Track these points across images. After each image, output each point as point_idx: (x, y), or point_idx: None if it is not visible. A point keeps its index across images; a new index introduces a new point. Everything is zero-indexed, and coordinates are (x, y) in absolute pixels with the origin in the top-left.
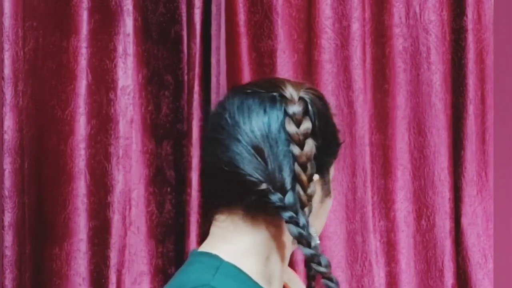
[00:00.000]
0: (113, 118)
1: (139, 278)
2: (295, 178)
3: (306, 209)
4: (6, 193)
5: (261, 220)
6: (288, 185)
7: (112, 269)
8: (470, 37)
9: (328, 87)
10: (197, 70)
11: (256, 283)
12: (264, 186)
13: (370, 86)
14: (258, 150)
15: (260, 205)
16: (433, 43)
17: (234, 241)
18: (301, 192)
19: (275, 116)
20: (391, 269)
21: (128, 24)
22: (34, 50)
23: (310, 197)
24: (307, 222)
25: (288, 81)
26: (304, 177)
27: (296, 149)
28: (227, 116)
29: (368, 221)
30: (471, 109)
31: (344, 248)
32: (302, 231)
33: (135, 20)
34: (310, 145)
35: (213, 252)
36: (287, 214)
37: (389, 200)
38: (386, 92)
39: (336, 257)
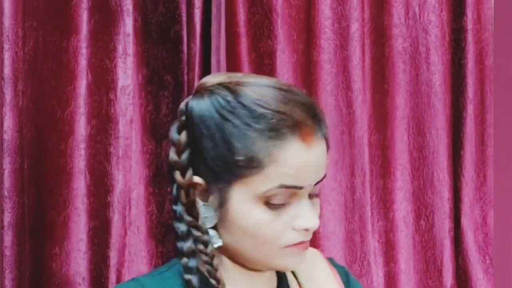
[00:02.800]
0: (113, 118)
1: None
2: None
3: (183, 206)
4: (6, 193)
5: None
6: (174, 192)
7: (112, 269)
8: (470, 37)
9: (327, 87)
10: (197, 70)
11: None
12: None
13: (369, 87)
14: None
15: None
16: (432, 44)
17: None
18: (175, 188)
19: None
20: (390, 269)
21: (128, 24)
22: (34, 50)
23: (187, 194)
24: (180, 215)
25: (227, 74)
26: (174, 173)
27: (170, 149)
28: None
29: (367, 221)
30: (471, 109)
31: (342, 248)
32: (175, 223)
33: (135, 20)
34: (178, 141)
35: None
36: (172, 207)
37: (388, 200)
38: (386, 93)
39: (334, 257)
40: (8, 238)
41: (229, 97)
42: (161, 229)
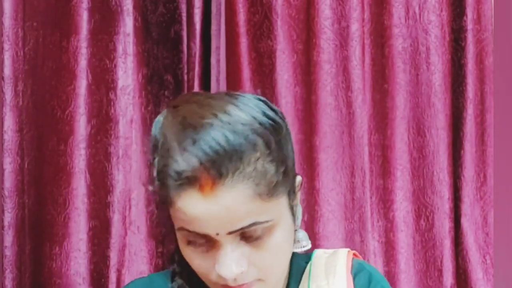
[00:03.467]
0: (113, 118)
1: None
2: None
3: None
4: (6, 193)
5: None
6: None
7: (112, 269)
8: (470, 37)
9: (327, 87)
10: (197, 70)
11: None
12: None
13: (369, 86)
14: None
15: None
16: (432, 43)
17: None
18: None
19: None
20: (390, 269)
21: (128, 24)
22: (34, 50)
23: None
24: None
25: (178, 100)
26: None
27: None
28: None
29: (366, 221)
30: (471, 109)
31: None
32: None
33: (135, 20)
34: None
35: None
36: None
37: (388, 200)
38: (385, 92)
39: None
40: (8, 238)
41: (163, 127)
42: (161, 229)
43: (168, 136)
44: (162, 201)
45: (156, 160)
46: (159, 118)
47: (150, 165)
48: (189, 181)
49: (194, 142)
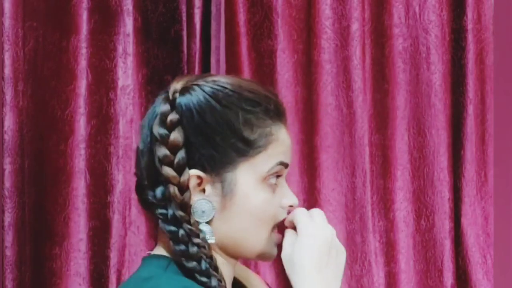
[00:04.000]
0: (113, 118)
1: None
2: (164, 175)
3: (176, 204)
4: (6, 193)
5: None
6: (156, 181)
7: (112, 269)
8: (470, 37)
9: (328, 87)
10: (197, 70)
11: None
12: (145, 182)
13: (370, 86)
14: (141, 151)
15: (149, 206)
16: (432, 43)
17: (165, 241)
18: (170, 188)
19: (151, 117)
20: (390, 269)
21: (128, 24)
22: (34, 50)
23: (182, 190)
24: (180, 216)
25: (181, 78)
26: (169, 172)
27: (159, 149)
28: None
29: (367, 221)
30: (471, 109)
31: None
32: (171, 227)
33: (135, 20)
34: (174, 137)
35: (159, 253)
36: (158, 211)
37: (389, 200)
38: (386, 92)
39: None
40: (8, 238)
41: (220, 87)
42: None
43: (240, 90)
44: (260, 146)
45: (240, 114)
46: (203, 94)
47: (233, 123)
48: (284, 115)
49: (262, 87)
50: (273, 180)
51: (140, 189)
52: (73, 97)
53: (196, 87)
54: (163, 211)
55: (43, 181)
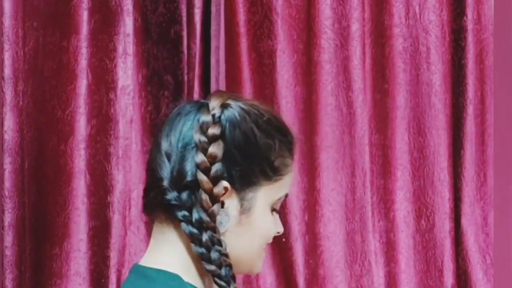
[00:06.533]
0: (113, 118)
1: None
2: (197, 180)
3: (205, 211)
4: (6, 193)
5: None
6: (184, 183)
7: (112, 269)
8: (470, 37)
9: (328, 87)
10: (197, 70)
11: None
12: (165, 183)
13: (370, 86)
14: (167, 153)
15: (168, 207)
16: (432, 43)
17: (174, 252)
18: (203, 195)
19: (190, 123)
20: (390, 269)
21: (128, 24)
22: (34, 50)
23: (214, 200)
24: (206, 222)
25: (223, 93)
26: (204, 179)
27: (198, 155)
28: (163, 121)
29: (367, 221)
30: (471, 109)
31: (343, 248)
32: (194, 230)
33: (135, 20)
34: (214, 150)
35: (168, 270)
36: (180, 213)
37: (389, 200)
38: (386, 92)
39: (335, 257)
40: (8, 238)
41: (259, 113)
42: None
43: (273, 118)
44: (281, 174)
45: (275, 142)
46: (245, 115)
47: (266, 146)
48: (292, 149)
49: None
50: (276, 207)
51: (155, 190)
52: (73, 97)
53: (237, 106)
54: (186, 213)
55: (43, 181)
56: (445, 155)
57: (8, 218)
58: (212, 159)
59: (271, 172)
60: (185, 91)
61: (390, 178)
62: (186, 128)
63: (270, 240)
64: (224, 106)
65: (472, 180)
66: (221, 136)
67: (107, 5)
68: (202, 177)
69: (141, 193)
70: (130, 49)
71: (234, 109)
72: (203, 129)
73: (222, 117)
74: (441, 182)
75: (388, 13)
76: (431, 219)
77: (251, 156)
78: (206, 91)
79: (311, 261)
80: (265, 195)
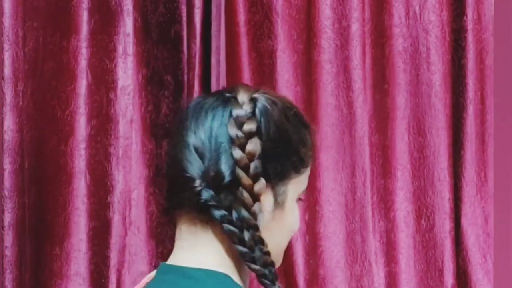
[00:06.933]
0: (113, 118)
1: (139, 278)
2: (236, 179)
3: (246, 210)
4: (6, 193)
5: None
6: (223, 183)
7: (112, 269)
8: (470, 37)
9: (328, 87)
10: (197, 70)
11: None
12: (197, 183)
13: (370, 86)
14: (198, 150)
15: (204, 207)
16: (433, 43)
17: (215, 252)
18: (244, 194)
19: (220, 117)
20: (390, 269)
21: (128, 24)
22: (34, 50)
23: (254, 198)
24: (247, 220)
25: (248, 86)
26: (244, 176)
27: (236, 151)
28: (183, 115)
29: (367, 221)
30: (471, 109)
31: (343, 248)
32: (235, 229)
33: (135, 20)
34: (252, 147)
35: (215, 269)
36: (219, 213)
37: (389, 200)
38: (386, 92)
39: (335, 257)
40: (8, 238)
41: (287, 106)
42: (161, 229)
43: (298, 113)
44: (306, 166)
45: (301, 133)
46: (277, 110)
47: (296, 140)
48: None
49: None
50: (301, 198)
51: (187, 190)
52: (73, 97)
53: (267, 99)
54: (225, 212)
55: (43, 181)
56: (445, 155)
57: (8, 218)
58: (251, 156)
59: (300, 164)
60: (185, 91)
61: (390, 178)
62: (217, 124)
63: (290, 236)
64: (254, 100)
65: (472, 180)
66: (258, 132)
67: (107, 5)
68: (242, 174)
69: (141, 193)
70: (130, 49)
71: (266, 103)
72: (237, 124)
73: (256, 111)
74: (441, 182)
75: (388, 13)
76: (431, 219)
77: (285, 151)
78: (206, 91)
79: (311, 261)
80: (294, 188)
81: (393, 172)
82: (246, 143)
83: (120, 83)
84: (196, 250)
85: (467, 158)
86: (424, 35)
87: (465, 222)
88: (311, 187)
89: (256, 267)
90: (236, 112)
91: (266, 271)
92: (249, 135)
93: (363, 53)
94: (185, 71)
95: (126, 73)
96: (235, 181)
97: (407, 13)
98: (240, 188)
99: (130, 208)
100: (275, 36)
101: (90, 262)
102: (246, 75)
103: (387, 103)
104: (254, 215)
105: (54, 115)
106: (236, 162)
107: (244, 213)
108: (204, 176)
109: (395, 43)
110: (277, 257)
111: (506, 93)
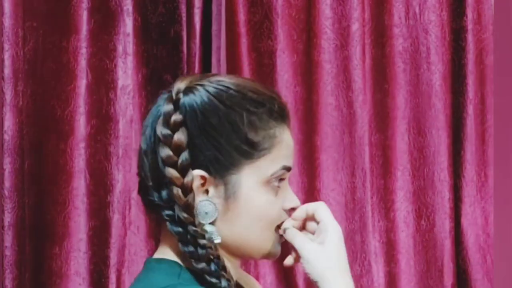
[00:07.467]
0: (113, 117)
1: None
2: (168, 176)
3: (182, 206)
4: (6, 193)
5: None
6: (161, 182)
7: (112, 269)
8: (470, 37)
9: (328, 87)
10: (197, 70)
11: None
12: (149, 183)
13: (370, 86)
14: (145, 151)
15: (154, 207)
16: (432, 43)
17: (172, 243)
18: (174, 190)
19: (152, 117)
20: (390, 269)
21: (128, 24)
22: (34, 50)
23: (186, 192)
24: (184, 218)
25: (185, 78)
26: (173, 173)
27: (162, 149)
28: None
29: (367, 221)
30: (471, 109)
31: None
32: (178, 228)
33: (135, 20)
34: (178, 137)
35: (167, 257)
36: (165, 212)
37: (389, 200)
38: (386, 92)
39: None
40: (8, 238)
41: (224, 87)
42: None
43: (243, 91)
44: (264, 149)
45: (245, 115)
46: (207, 95)
47: (238, 125)
48: (288, 116)
49: (264, 87)
50: (275, 183)
51: (144, 190)
52: (73, 97)
53: (199, 87)
54: (170, 212)
55: (43, 181)
56: (445, 155)
57: (8, 218)
58: (177, 149)
59: (250, 149)
60: None
61: (390, 178)
62: (152, 124)
63: (281, 220)
64: (185, 91)
65: (472, 180)
66: (184, 123)
67: (107, 5)
68: (169, 171)
69: None
70: (130, 49)
71: (195, 91)
72: (165, 120)
73: (182, 102)
74: (441, 182)
75: (388, 13)
76: (431, 219)
77: (219, 138)
78: None
79: None
80: (251, 175)
81: (393, 172)
82: (172, 139)
83: (120, 83)
84: (162, 244)
85: (467, 158)
86: (424, 35)
87: (465, 222)
88: (311, 187)
89: (201, 265)
90: (165, 108)
91: (212, 267)
92: (174, 128)
93: (363, 53)
94: (185, 71)
95: (126, 73)
96: (168, 178)
97: (407, 13)
98: (172, 185)
99: (130, 208)
100: (275, 36)
101: (90, 261)
102: (246, 75)
103: (387, 103)
104: (189, 209)
105: (54, 114)
106: (163, 161)
107: (178, 210)
108: (150, 175)
109: (395, 43)
110: (255, 248)
111: (506, 93)
